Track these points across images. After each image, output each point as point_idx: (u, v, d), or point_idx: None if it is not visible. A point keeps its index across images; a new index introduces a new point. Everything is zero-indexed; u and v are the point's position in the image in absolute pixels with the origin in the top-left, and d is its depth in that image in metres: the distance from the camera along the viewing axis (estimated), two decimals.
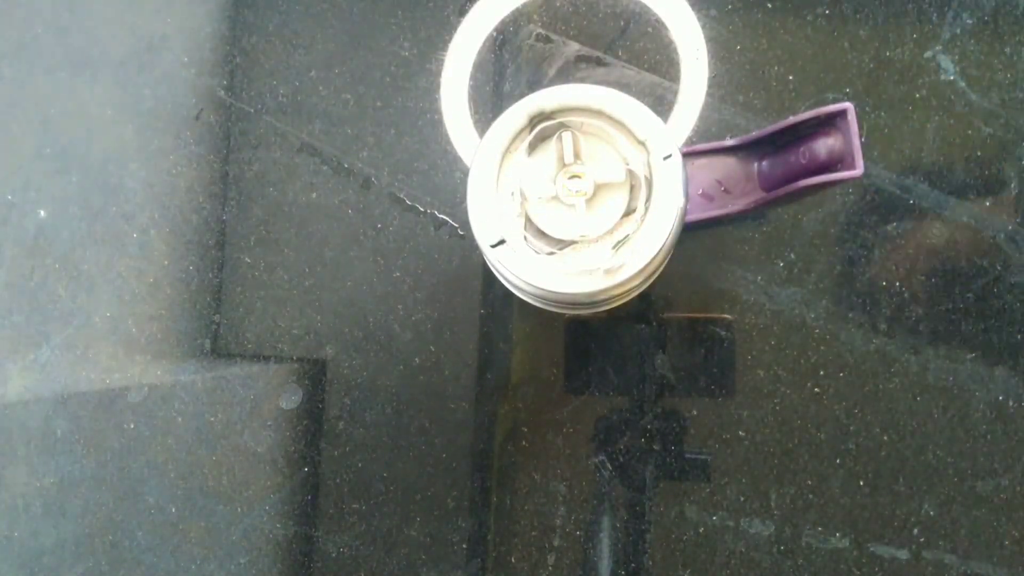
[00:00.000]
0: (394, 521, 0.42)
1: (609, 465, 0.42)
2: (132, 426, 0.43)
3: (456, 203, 0.44)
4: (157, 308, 0.44)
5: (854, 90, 0.43)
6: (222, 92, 0.45)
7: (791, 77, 0.43)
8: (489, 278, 0.43)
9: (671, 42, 0.44)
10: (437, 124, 0.44)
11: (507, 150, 0.33)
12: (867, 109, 0.43)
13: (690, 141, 0.43)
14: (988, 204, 0.42)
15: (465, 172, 0.41)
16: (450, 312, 0.43)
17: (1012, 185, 0.43)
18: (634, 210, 0.33)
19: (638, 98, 0.33)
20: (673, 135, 0.33)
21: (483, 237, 0.32)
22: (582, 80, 0.44)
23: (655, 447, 0.42)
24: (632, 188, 0.33)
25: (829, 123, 0.35)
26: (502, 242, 0.32)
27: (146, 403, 0.43)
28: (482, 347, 0.43)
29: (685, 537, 0.41)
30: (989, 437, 0.41)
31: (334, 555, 0.42)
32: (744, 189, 0.38)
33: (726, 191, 0.38)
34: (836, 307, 0.42)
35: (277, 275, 0.44)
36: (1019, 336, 0.42)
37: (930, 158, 0.43)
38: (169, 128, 0.45)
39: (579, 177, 0.33)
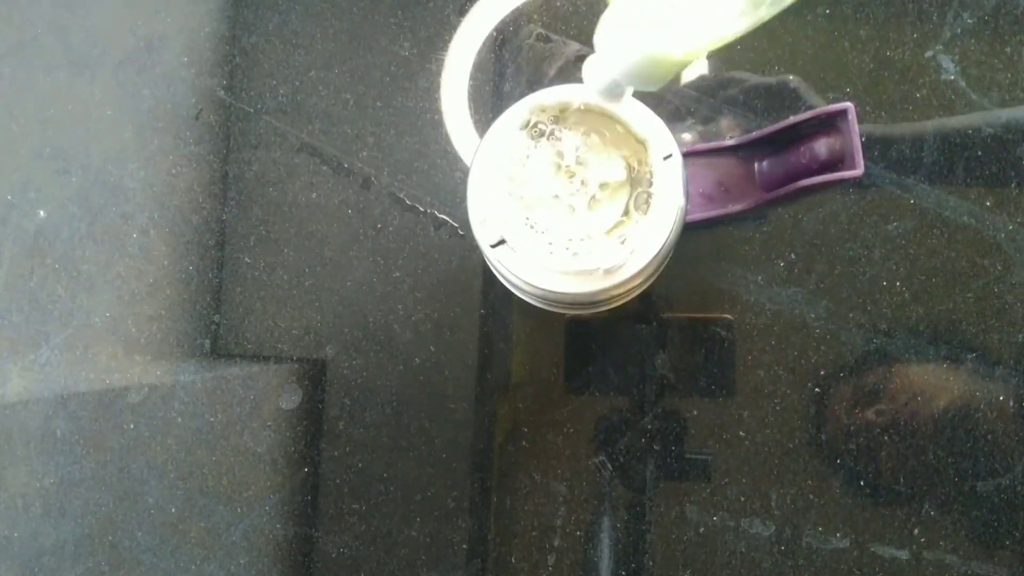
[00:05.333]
0: (394, 521, 0.42)
1: (609, 465, 0.42)
2: (132, 426, 0.43)
3: (456, 203, 0.44)
4: (157, 308, 0.44)
5: (854, 90, 0.43)
6: (222, 92, 0.45)
7: (791, 77, 0.43)
8: (489, 278, 0.43)
9: None
10: (437, 124, 0.44)
11: (507, 150, 0.33)
12: (867, 109, 0.43)
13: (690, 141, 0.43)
14: (988, 204, 0.42)
15: (465, 172, 0.41)
16: (450, 312, 0.43)
17: (1012, 184, 0.43)
18: (634, 210, 0.33)
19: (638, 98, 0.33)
20: (673, 135, 0.33)
21: (483, 237, 0.32)
22: (582, 80, 0.44)
23: (655, 447, 0.42)
24: (632, 188, 0.33)
25: (829, 123, 0.35)
26: (502, 242, 0.32)
27: (146, 403, 0.43)
28: (482, 347, 0.43)
29: (685, 537, 0.41)
30: (990, 437, 0.41)
31: (334, 555, 0.42)
32: (744, 189, 0.38)
33: (726, 191, 0.38)
34: (836, 307, 0.42)
35: (277, 275, 0.44)
36: (1019, 336, 0.42)
37: (930, 158, 0.43)
38: (169, 128, 0.45)
39: (579, 177, 0.33)
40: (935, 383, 0.41)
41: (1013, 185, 0.43)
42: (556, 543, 0.42)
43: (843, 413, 0.41)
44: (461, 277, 0.43)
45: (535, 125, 0.33)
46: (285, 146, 0.45)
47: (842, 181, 0.34)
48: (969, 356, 0.41)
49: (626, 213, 0.33)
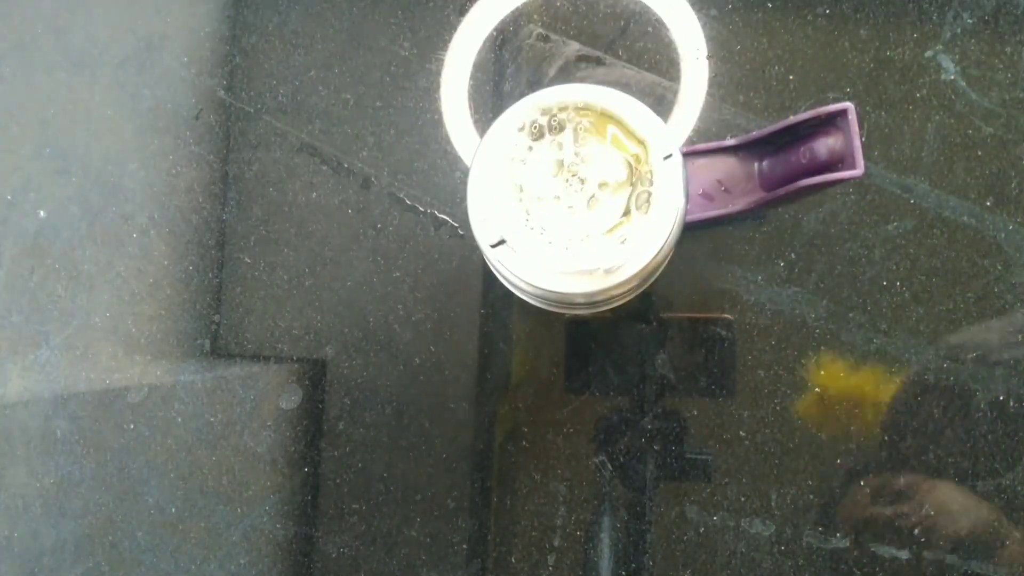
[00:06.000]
0: (394, 521, 0.42)
1: (609, 465, 0.42)
2: (132, 426, 0.43)
3: (456, 203, 0.44)
4: (157, 308, 0.44)
5: (854, 90, 0.43)
6: (222, 92, 0.45)
7: (791, 77, 0.43)
8: (489, 278, 0.43)
9: (671, 42, 0.44)
10: (437, 124, 0.44)
11: (507, 150, 0.33)
12: (867, 109, 0.43)
13: (690, 141, 0.43)
14: (988, 204, 0.42)
15: (465, 172, 0.41)
16: (450, 312, 0.43)
17: (1012, 184, 0.43)
18: (634, 210, 0.33)
19: (638, 98, 0.33)
20: (673, 135, 0.33)
21: (483, 237, 0.32)
22: (582, 80, 0.44)
23: (655, 447, 0.42)
24: (632, 188, 0.33)
25: (829, 123, 0.35)
26: (502, 242, 0.32)
27: (146, 403, 0.43)
28: (482, 347, 0.43)
29: (686, 537, 0.41)
30: (990, 437, 0.41)
31: (334, 555, 0.42)
32: (744, 189, 0.38)
33: (726, 191, 0.38)
34: (836, 307, 0.42)
35: (277, 275, 0.44)
36: (1019, 336, 0.42)
37: (930, 158, 0.43)
38: (169, 128, 0.45)
39: (579, 177, 0.33)
40: (935, 383, 0.41)
41: (1013, 185, 0.43)
42: (556, 543, 0.42)
43: (843, 412, 0.41)
44: (461, 277, 0.43)
45: (535, 125, 0.33)
46: (285, 146, 0.45)
47: (842, 181, 0.34)
48: (969, 356, 0.41)
49: (626, 213, 0.33)
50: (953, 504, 0.40)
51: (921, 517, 0.40)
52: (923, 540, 0.41)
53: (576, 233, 0.32)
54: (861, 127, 0.35)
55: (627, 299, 0.36)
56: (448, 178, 0.44)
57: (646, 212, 0.32)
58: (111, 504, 0.42)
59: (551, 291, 0.32)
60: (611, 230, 0.33)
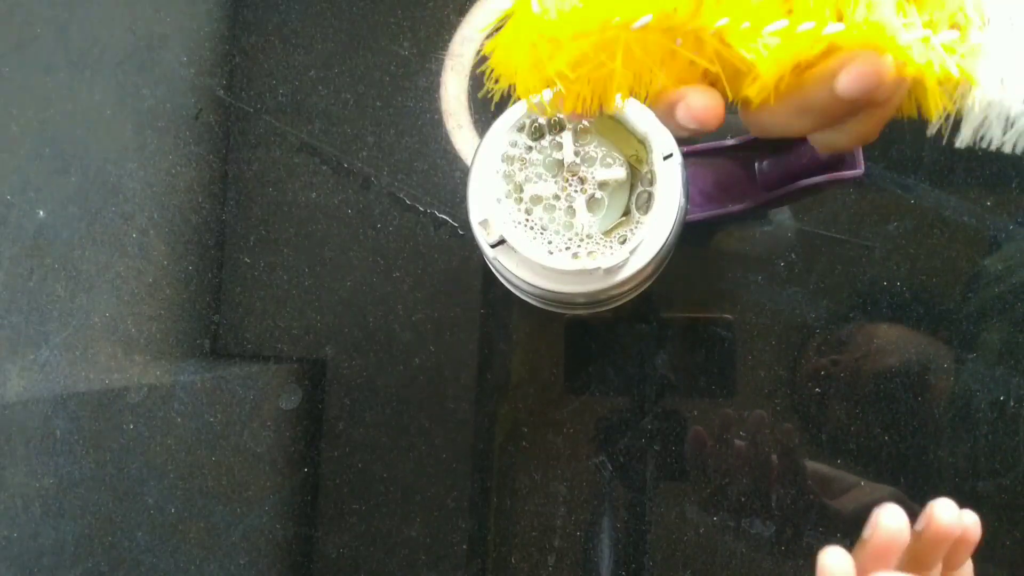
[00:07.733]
0: (394, 521, 0.42)
1: (609, 465, 0.42)
2: (131, 426, 0.43)
3: (456, 203, 0.44)
4: (156, 308, 0.44)
5: None
6: (221, 92, 0.45)
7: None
8: (489, 278, 0.43)
9: None
10: (437, 124, 0.44)
11: (507, 150, 0.33)
12: None
13: (690, 141, 0.43)
14: (988, 204, 0.42)
15: (465, 172, 0.41)
16: (450, 312, 0.43)
17: (1012, 184, 0.43)
18: (634, 210, 0.33)
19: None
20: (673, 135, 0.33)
21: (483, 237, 0.32)
22: None
23: (655, 447, 0.42)
24: (632, 188, 0.33)
25: None
26: (502, 242, 0.32)
27: (145, 403, 0.43)
28: (482, 347, 0.43)
29: (686, 537, 0.41)
30: (990, 437, 0.41)
31: (334, 556, 0.42)
32: (744, 189, 0.38)
33: (726, 191, 0.38)
34: (836, 307, 0.42)
35: (277, 275, 0.44)
36: (1019, 336, 0.42)
37: (930, 158, 0.43)
38: (168, 128, 0.45)
39: (579, 177, 0.33)
40: (935, 383, 0.41)
41: (1013, 185, 0.43)
42: (556, 543, 0.42)
43: (843, 412, 0.41)
44: (461, 277, 0.43)
45: (535, 125, 0.33)
46: (285, 146, 0.45)
47: (842, 181, 0.34)
48: (969, 356, 0.41)
49: (626, 213, 0.33)
50: (887, 341, 0.41)
51: (856, 358, 0.40)
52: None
53: (576, 233, 0.32)
54: None
55: (627, 299, 0.36)
56: (448, 178, 0.44)
57: (646, 212, 0.32)
58: (110, 504, 0.42)
59: (551, 291, 0.32)
60: (611, 230, 0.33)
